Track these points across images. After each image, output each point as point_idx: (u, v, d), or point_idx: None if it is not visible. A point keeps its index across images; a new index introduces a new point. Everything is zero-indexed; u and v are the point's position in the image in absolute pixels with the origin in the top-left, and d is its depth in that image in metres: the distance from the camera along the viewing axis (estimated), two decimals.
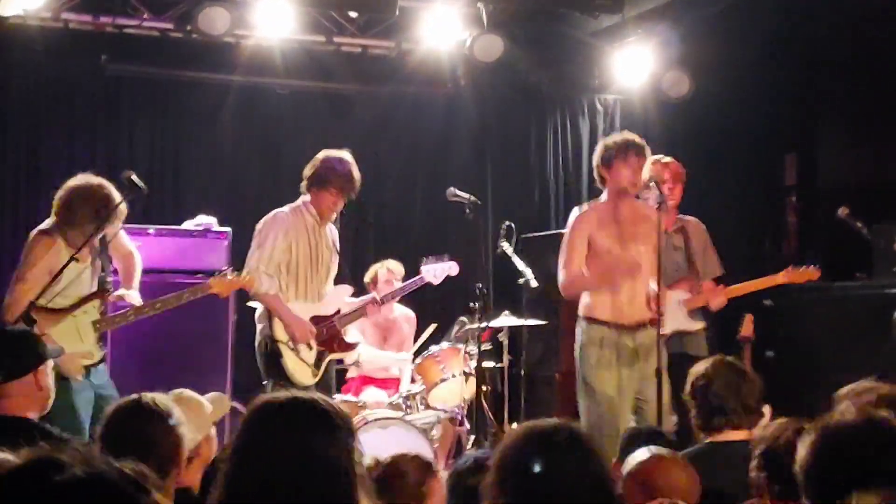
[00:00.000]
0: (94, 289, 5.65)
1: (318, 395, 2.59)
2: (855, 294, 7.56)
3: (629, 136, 6.35)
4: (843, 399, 4.05)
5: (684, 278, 6.74)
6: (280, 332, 6.35)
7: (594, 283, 6.12)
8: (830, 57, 9.01)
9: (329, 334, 6.48)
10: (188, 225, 7.64)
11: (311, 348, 6.39)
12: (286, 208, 6.52)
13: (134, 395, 3.26)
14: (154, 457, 2.99)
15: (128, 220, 7.12)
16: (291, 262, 6.40)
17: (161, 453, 3.07)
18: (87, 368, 5.54)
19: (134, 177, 5.76)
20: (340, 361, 7.46)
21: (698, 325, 6.71)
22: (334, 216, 6.56)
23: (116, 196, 5.63)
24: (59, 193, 5.74)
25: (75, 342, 5.48)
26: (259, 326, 6.40)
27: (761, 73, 9.15)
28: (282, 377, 6.26)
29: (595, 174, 6.35)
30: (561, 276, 6.20)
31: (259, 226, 6.48)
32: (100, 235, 5.64)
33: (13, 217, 8.60)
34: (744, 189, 9.52)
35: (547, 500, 2.50)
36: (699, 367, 4.49)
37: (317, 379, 6.40)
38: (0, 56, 8.33)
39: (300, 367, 6.37)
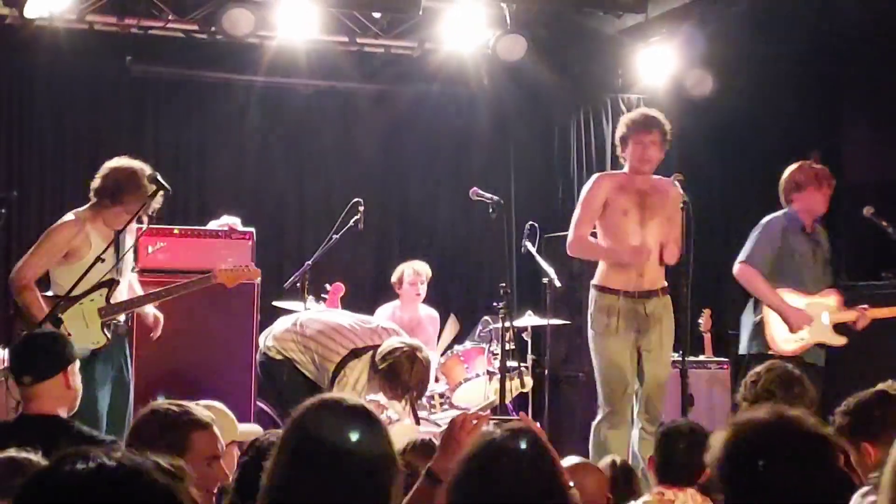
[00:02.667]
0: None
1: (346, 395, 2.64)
2: (881, 293, 7.51)
3: (641, 112, 6.61)
4: None
5: (832, 287, 6.71)
6: None
7: (600, 254, 6.36)
8: (854, 53, 8.96)
9: None
10: (212, 225, 7.65)
11: None
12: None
13: (155, 403, 3.28)
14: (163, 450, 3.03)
15: (153, 221, 7.19)
16: None
17: (169, 445, 3.08)
18: (95, 353, 5.71)
19: (158, 177, 5.80)
20: None
21: (842, 339, 6.62)
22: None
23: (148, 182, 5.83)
24: (103, 172, 6.01)
25: (81, 327, 5.67)
26: None
27: (784, 71, 9.11)
28: None
29: (617, 152, 6.57)
30: (570, 233, 6.40)
31: None
32: (135, 217, 5.80)
33: (38, 217, 8.65)
34: (768, 188, 9.46)
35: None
36: (755, 368, 4.56)
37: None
38: (25, 58, 8.39)
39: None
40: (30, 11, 7.63)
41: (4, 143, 8.58)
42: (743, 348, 6.66)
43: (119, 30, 8.29)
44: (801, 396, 4.45)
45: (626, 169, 6.46)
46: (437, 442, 3.70)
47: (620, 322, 6.21)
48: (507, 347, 6.72)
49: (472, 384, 7.22)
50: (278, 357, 6.32)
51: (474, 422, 3.14)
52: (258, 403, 6.89)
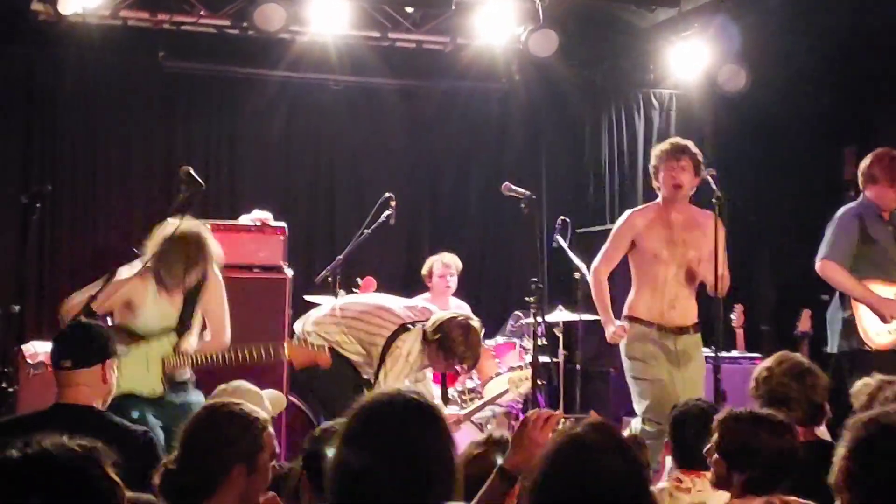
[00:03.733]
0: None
1: (413, 391, 2.63)
2: None
3: (670, 141, 6.50)
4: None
5: None
6: None
7: (600, 306, 6.31)
8: (888, 48, 8.87)
9: None
10: (244, 220, 7.67)
11: None
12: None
13: (209, 403, 3.33)
14: (241, 454, 3.09)
15: (185, 215, 7.21)
16: None
17: (246, 448, 3.12)
18: (150, 401, 5.35)
19: (192, 171, 5.79)
20: None
21: None
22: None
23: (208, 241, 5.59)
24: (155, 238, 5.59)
25: (141, 370, 5.37)
26: None
27: (819, 66, 9.04)
28: None
29: (653, 184, 6.49)
30: (595, 263, 6.41)
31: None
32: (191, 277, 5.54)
33: (72, 212, 8.71)
34: (802, 183, 9.41)
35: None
36: (763, 363, 4.49)
37: None
38: (59, 54, 8.45)
39: None
40: (64, 7, 7.67)
41: (38, 137, 8.64)
42: (834, 347, 6.45)
43: (152, 25, 8.33)
44: (814, 387, 4.39)
45: (659, 199, 6.40)
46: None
47: (657, 350, 6.16)
48: (538, 342, 6.71)
49: (503, 378, 7.20)
50: (318, 342, 6.27)
51: (546, 419, 3.11)
52: (290, 398, 6.89)
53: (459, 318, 6.01)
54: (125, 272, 5.48)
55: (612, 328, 6.21)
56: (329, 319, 6.22)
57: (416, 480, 2.45)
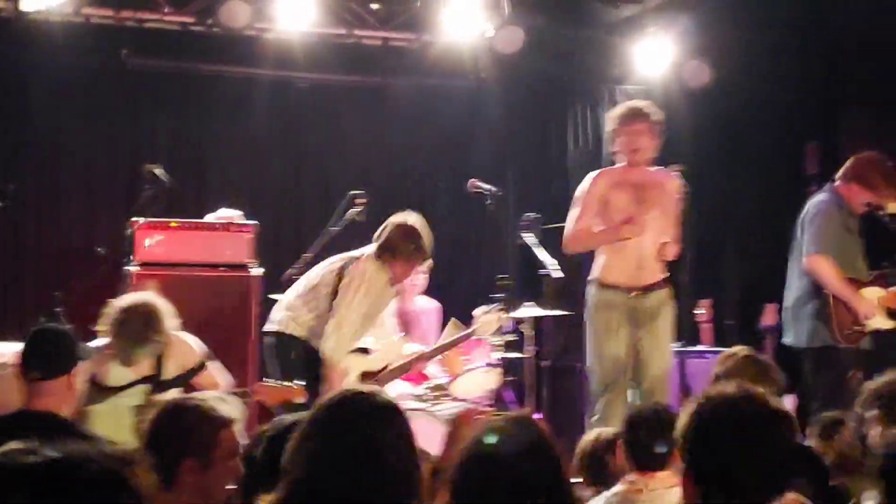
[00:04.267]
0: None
1: (374, 389, 2.63)
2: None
3: (626, 105, 6.56)
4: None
5: (880, 274, 6.60)
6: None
7: (600, 237, 6.31)
8: (852, 43, 8.95)
9: None
10: (210, 218, 7.64)
11: None
12: (373, 261, 6.33)
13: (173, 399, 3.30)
14: (193, 447, 3.05)
15: (151, 214, 7.18)
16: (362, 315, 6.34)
17: (198, 441, 3.09)
18: None
19: (157, 170, 5.76)
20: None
21: (893, 323, 6.52)
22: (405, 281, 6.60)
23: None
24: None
25: (110, 424, 5.03)
26: None
27: (782, 61, 9.10)
28: None
29: (610, 149, 6.58)
30: (568, 229, 6.40)
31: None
32: None
33: (36, 211, 8.65)
34: (765, 179, 9.47)
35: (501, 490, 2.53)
36: (723, 363, 4.52)
37: None
38: (22, 51, 8.37)
39: None
40: (26, 4, 7.61)
41: (0, 136, 8.57)
42: (801, 341, 6.44)
43: (115, 22, 8.28)
44: (770, 390, 4.42)
45: (619, 164, 6.45)
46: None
47: (620, 319, 6.20)
48: (506, 339, 6.72)
49: (472, 375, 7.21)
50: (287, 331, 6.28)
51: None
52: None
53: (396, 221, 6.20)
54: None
55: (624, 229, 6.17)
56: (289, 295, 6.36)
57: (376, 480, 2.44)
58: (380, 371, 6.54)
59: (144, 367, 5.30)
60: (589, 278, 6.39)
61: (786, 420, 2.58)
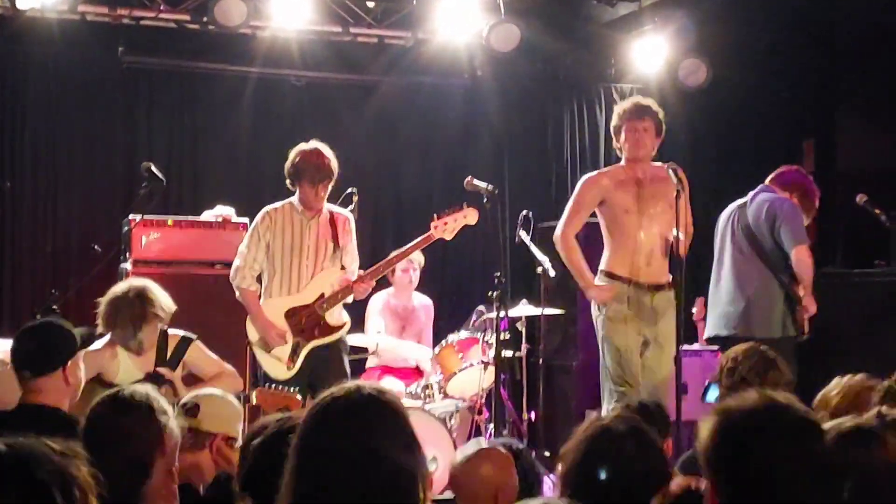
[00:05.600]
0: None
1: (375, 386, 2.53)
2: (874, 281, 7.53)
3: (632, 101, 6.58)
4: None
5: None
6: (251, 333, 6.46)
7: (574, 268, 6.35)
8: (848, 41, 8.97)
9: (308, 323, 6.41)
10: (206, 216, 7.65)
11: (285, 342, 6.40)
12: (277, 203, 6.58)
13: (111, 390, 3.21)
14: (132, 448, 2.93)
15: (147, 211, 7.18)
16: (271, 258, 6.43)
17: (139, 444, 2.95)
18: None
19: (153, 168, 5.77)
20: (359, 350, 7.48)
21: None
22: (320, 205, 6.51)
23: None
24: None
25: None
26: None
27: (778, 60, 9.11)
28: (261, 373, 6.43)
29: (613, 145, 6.57)
30: (559, 229, 6.41)
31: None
32: None
33: (32, 209, 8.64)
34: (762, 177, 9.48)
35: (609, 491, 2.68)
36: (730, 352, 4.54)
37: (293, 371, 6.34)
38: (18, 49, 8.38)
39: (271, 362, 6.40)
40: (21, 2, 7.60)
41: None
42: (763, 331, 6.37)
43: (111, 20, 8.28)
44: (776, 384, 4.43)
45: (622, 160, 6.46)
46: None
47: (629, 310, 6.21)
48: (501, 337, 6.72)
49: (466, 374, 7.22)
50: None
51: None
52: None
53: (302, 146, 6.50)
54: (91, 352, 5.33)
55: (594, 291, 6.24)
56: None
57: (374, 481, 2.37)
58: (312, 303, 6.44)
59: (151, 363, 5.32)
60: (600, 269, 6.39)
61: (817, 426, 2.49)
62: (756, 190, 6.79)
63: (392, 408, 2.47)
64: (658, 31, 8.86)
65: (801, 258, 6.42)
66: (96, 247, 6.79)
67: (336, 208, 6.65)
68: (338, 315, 6.55)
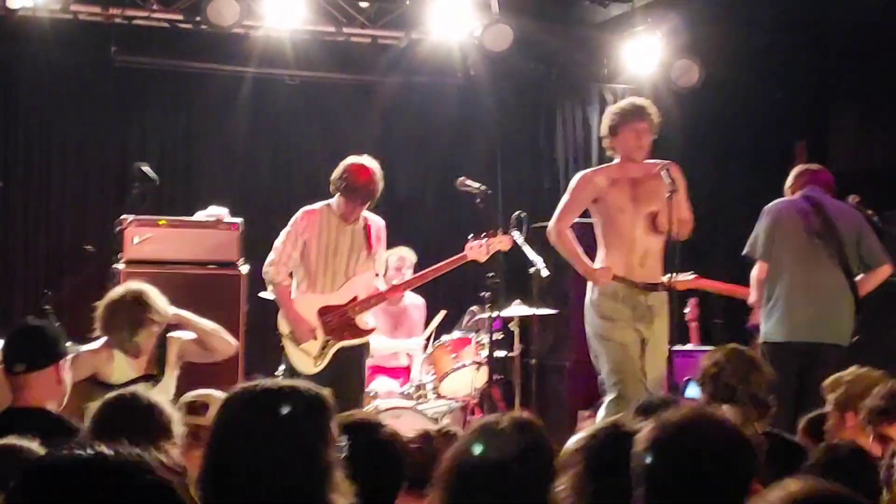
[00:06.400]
0: None
1: (289, 382, 2.59)
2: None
3: (630, 101, 6.56)
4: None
5: None
6: (283, 326, 6.56)
7: (572, 259, 6.33)
8: (840, 41, 8.98)
9: (339, 323, 6.51)
10: (200, 216, 7.64)
11: (315, 338, 6.48)
12: (317, 205, 6.68)
13: (116, 392, 3.22)
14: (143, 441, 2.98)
15: (139, 212, 7.18)
16: (306, 258, 6.54)
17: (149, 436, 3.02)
18: None
19: (145, 168, 5.77)
20: None
21: None
22: (356, 217, 6.63)
23: None
24: None
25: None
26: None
27: (771, 60, 9.12)
28: (288, 366, 6.52)
29: (604, 143, 6.49)
30: (552, 223, 6.37)
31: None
32: None
33: (24, 208, 8.63)
34: (754, 176, 9.50)
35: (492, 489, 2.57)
36: (712, 356, 4.52)
37: (320, 367, 6.44)
38: (10, 48, 8.37)
39: (300, 356, 6.52)
40: (13, 1, 7.59)
41: None
42: (844, 339, 6.43)
43: (103, 20, 8.26)
44: (759, 384, 4.43)
45: (616, 160, 6.41)
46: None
47: (626, 308, 6.18)
48: (493, 337, 6.72)
49: (459, 374, 7.22)
50: None
51: None
52: None
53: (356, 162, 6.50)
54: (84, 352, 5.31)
55: (596, 273, 6.20)
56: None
57: (302, 474, 2.42)
58: (345, 305, 6.55)
59: (146, 364, 5.32)
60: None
61: (748, 447, 2.52)
62: (811, 192, 6.68)
63: (318, 400, 2.52)
64: (651, 31, 8.87)
65: (888, 274, 6.56)
66: (89, 247, 6.78)
67: (371, 215, 6.73)
68: (367, 319, 6.70)
